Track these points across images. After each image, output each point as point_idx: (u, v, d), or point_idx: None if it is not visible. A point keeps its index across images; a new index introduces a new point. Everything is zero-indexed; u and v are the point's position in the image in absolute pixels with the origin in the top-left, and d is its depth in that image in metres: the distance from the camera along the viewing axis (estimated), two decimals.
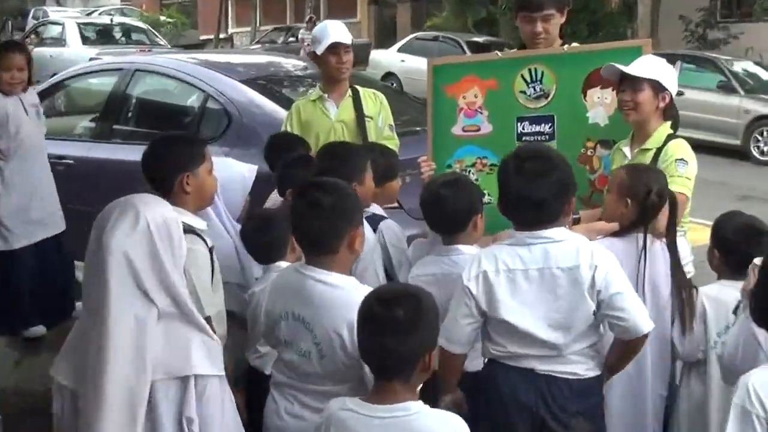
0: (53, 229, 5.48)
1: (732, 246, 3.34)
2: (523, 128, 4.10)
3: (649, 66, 3.69)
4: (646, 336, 2.90)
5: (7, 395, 4.54)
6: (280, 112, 5.42)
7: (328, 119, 4.67)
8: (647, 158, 3.64)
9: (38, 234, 5.39)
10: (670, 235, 3.38)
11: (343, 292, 2.71)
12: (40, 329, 5.43)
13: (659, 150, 3.64)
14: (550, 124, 4.07)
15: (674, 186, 3.49)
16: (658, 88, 3.66)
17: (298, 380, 2.81)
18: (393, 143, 4.70)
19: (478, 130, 4.19)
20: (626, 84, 3.67)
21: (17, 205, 5.32)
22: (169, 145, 3.21)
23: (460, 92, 4.20)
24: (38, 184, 5.43)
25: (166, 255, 2.52)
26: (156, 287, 2.51)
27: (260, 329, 3.12)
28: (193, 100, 6.18)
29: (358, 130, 4.64)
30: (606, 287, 2.80)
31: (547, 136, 4.06)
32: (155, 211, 2.56)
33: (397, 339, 2.29)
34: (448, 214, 3.30)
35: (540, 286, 2.83)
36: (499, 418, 2.93)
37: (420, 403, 2.34)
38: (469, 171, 4.16)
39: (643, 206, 3.30)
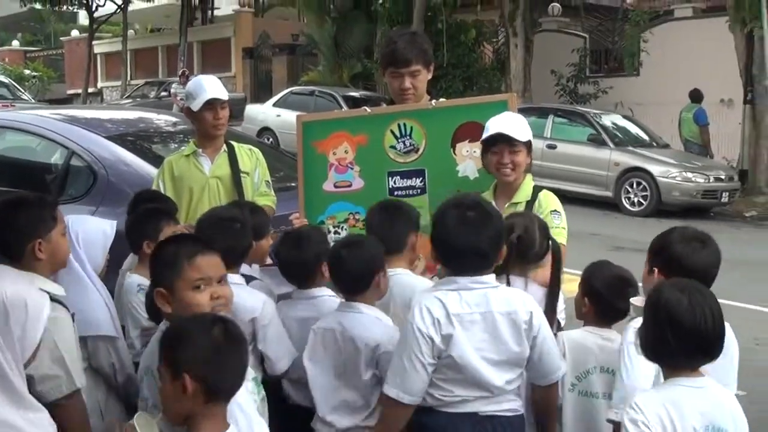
0: None
1: (600, 296, 3.43)
2: (395, 183, 4.19)
3: (520, 127, 3.79)
4: (555, 383, 3.15)
5: None
6: (150, 169, 5.37)
7: (202, 174, 4.61)
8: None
9: None
10: (553, 285, 3.45)
11: None
12: None
13: (530, 203, 3.77)
14: (421, 178, 4.16)
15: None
16: (528, 147, 3.81)
17: None
18: (270, 200, 4.71)
19: (350, 185, 4.25)
20: (502, 146, 3.75)
21: None
22: (17, 209, 3.06)
23: (330, 148, 4.26)
24: None
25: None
26: None
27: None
28: (56, 158, 6.02)
29: (234, 187, 4.61)
30: (539, 333, 2.98)
31: (418, 190, 4.15)
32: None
33: None
34: (349, 273, 3.33)
35: (484, 329, 2.94)
36: None
37: None
38: (342, 227, 4.21)
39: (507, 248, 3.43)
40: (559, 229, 3.71)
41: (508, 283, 3.26)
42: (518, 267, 3.40)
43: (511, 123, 3.78)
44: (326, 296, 3.56)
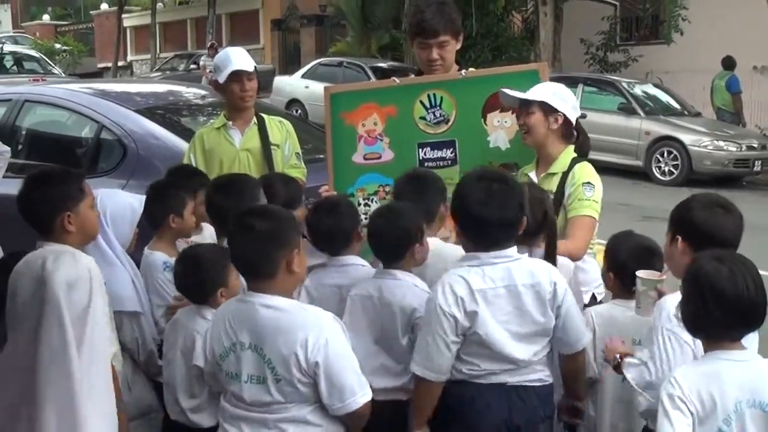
0: None
1: (625, 267, 3.39)
2: (425, 154, 4.15)
3: (539, 89, 3.80)
4: (582, 351, 3.14)
5: None
6: (179, 142, 5.37)
7: (233, 147, 4.60)
8: (553, 183, 3.73)
9: None
10: (547, 259, 3.37)
11: (290, 315, 2.80)
12: None
13: (565, 174, 3.73)
14: (451, 149, 4.13)
15: (583, 209, 3.62)
16: (547, 109, 3.75)
17: (256, 411, 2.84)
18: (300, 172, 4.69)
19: (379, 157, 4.22)
20: (522, 109, 3.80)
21: None
22: (45, 184, 3.09)
23: (359, 119, 4.22)
24: None
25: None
26: None
27: (206, 370, 3.08)
28: (86, 132, 6.04)
29: (264, 159, 4.60)
30: (563, 303, 2.99)
31: (449, 162, 4.12)
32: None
33: None
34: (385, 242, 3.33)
35: (508, 303, 2.95)
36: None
37: None
38: (372, 199, 4.18)
39: None
40: (590, 201, 3.67)
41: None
42: (519, 241, 3.33)
43: (533, 88, 3.82)
44: (358, 264, 3.55)
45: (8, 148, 4.91)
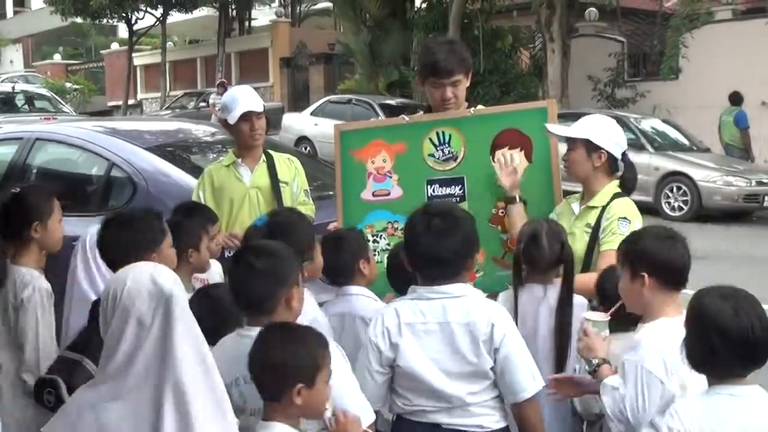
0: None
1: (613, 299, 3.27)
2: (434, 191, 4.17)
3: (584, 125, 3.82)
4: (530, 402, 2.97)
5: None
6: (189, 179, 5.39)
7: (242, 184, 4.61)
8: (593, 216, 3.75)
9: None
10: (564, 292, 3.41)
11: None
12: None
13: (604, 207, 3.74)
14: (460, 186, 4.14)
15: (614, 243, 3.54)
16: (590, 147, 3.76)
17: None
18: (309, 209, 4.70)
19: (388, 194, 4.23)
20: (568, 143, 3.83)
21: None
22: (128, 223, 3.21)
23: (369, 156, 4.25)
24: None
25: None
26: None
27: None
28: (97, 169, 6.08)
29: (273, 196, 4.61)
30: (502, 346, 2.90)
31: (458, 198, 4.12)
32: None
33: None
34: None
35: (441, 340, 2.92)
36: None
37: None
38: (380, 236, 4.19)
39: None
40: (623, 236, 3.54)
41: (516, 288, 3.34)
42: (537, 275, 3.42)
43: (578, 123, 3.86)
44: (362, 295, 3.62)
45: None
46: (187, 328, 2.35)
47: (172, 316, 2.32)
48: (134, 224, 3.13)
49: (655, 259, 2.93)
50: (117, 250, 3.06)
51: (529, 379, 2.95)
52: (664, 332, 2.83)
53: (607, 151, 3.78)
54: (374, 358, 2.95)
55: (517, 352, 2.94)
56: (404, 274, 3.24)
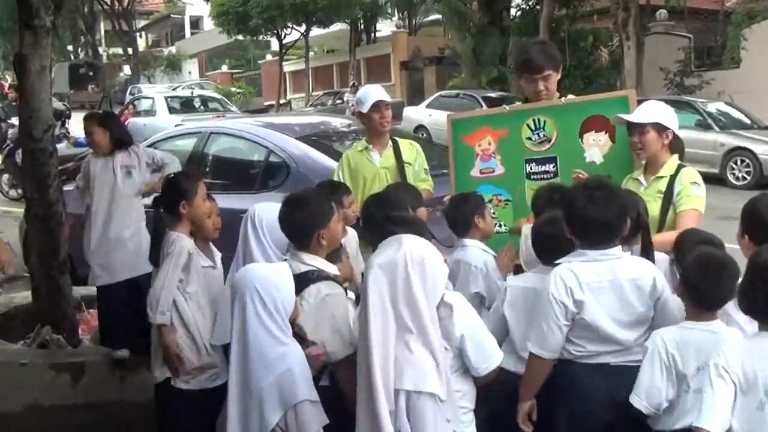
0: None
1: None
2: (531, 168, 4.08)
3: (650, 111, 3.67)
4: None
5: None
6: (330, 162, 5.44)
7: (373, 166, 4.63)
8: (662, 184, 3.62)
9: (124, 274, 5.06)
10: (644, 255, 3.21)
11: None
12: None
13: (673, 177, 3.61)
14: (553, 164, 4.04)
15: (690, 203, 3.51)
16: (660, 128, 3.63)
17: None
18: (429, 184, 4.68)
19: (493, 171, 4.18)
20: (633, 129, 3.66)
21: (104, 249, 5.12)
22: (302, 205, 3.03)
23: (476, 141, 4.20)
24: (121, 233, 5.14)
25: (416, 282, 2.36)
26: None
27: None
28: (258, 156, 6.21)
29: (399, 175, 4.61)
30: (662, 295, 2.86)
31: (551, 174, 4.03)
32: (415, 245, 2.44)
33: None
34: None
35: (611, 294, 2.85)
36: (580, 407, 2.87)
37: None
38: (487, 206, 4.12)
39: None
40: (696, 197, 3.56)
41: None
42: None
43: (641, 110, 3.71)
44: (475, 246, 3.62)
45: (175, 158, 5.44)
46: None
47: None
48: (308, 204, 3.02)
49: (749, 218, 2.92)
50: (294, 227, 3.01)
51: (678, 316, 2.85)
52: None
53: (673, 130, 3.66)
54: (560, 313, 2.84)
55: (670, 297, 2.89)
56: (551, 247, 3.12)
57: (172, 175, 4.06)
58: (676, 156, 3.71)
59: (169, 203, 3.64)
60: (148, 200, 4.55)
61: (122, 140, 5.27)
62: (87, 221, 5.25)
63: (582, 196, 2.89)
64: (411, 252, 2.39)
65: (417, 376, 2.36)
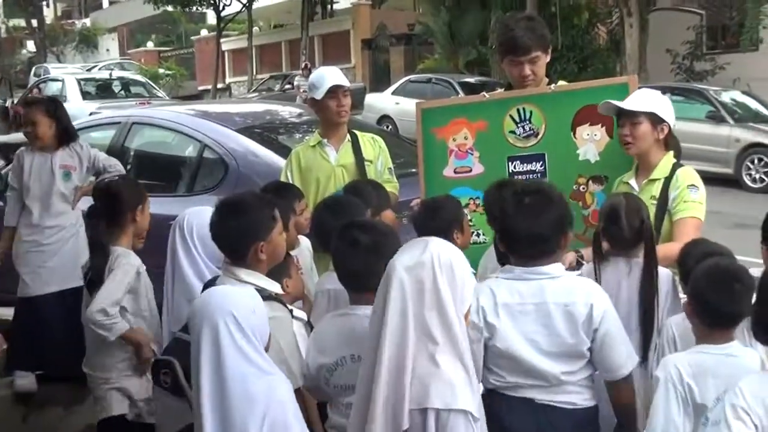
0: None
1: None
2: (515, 167, 4.10)
3: (644, 99, 3.70)
4: (625, 379, 2.91)
5: None
6: (277, 159, 5.42)
7: (328, 164, 4.62)
8: (656, 188, 3.65)
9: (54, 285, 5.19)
10: (647, 266, 3.29)
11: None
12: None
13: (668, 179, 3.65)
14: (541, 163, 4.07)
15: (689, 211, 3.53)
16: (655, 120, 3.66)
17: None
18: (393, 186, 4.68)
19: (470, 171, 4.20)
20: (624, 119, 3.67)
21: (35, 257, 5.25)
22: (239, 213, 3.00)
23: (450, 134, 4.22)
24: (56, 240, 5.28)
25: (444, 288, 2.41)
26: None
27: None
28: (190, 151, 6.17)
29: (358, 174, 4.60)
30: (601, 326, 2.82)
31: (538, 174, 4.06)
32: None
33: None
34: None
35: (536, 320, 2.84)
36: None
37: None
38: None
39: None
40: (695, 203, 3.58)
41: (596, 265, 3.24)
42: (620, 250, 3.30)
43: (633, 97, 3.72)
44: None
45: (117, 161, 5.46)
46: None
47: None
48: (245, 211, 2.98)
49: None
50: (228, 238, 2.99)
51: (626, 357, 2.88)
52: None
53: (669, 124, 3.70)
54: (473, 335, 2.81)
55: (614, 331, 2.86)
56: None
57: (115, 181, 4.12)
58: (671, 154, 3.75)
59: (114, 213, 3.68)
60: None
61: (69, 134, 5.28)
62: (19, 225, 5.32)
63: (512, 202, 2.91)
64: (438, 254, 2.43)
65: (446, 393, 2.38)
